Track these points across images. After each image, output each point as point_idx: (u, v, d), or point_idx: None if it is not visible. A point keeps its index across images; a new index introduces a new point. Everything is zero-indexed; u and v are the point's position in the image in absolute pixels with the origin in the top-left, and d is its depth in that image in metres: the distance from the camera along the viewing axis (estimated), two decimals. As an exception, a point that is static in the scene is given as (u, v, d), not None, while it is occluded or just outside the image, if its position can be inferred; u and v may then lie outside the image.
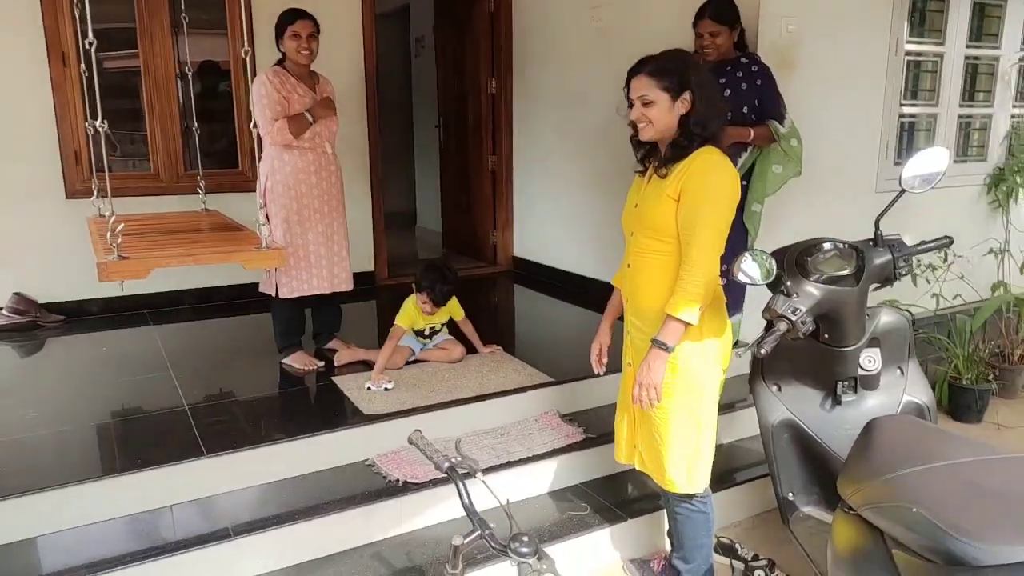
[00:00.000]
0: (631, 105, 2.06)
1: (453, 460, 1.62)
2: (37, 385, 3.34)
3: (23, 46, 3.94)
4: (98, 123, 2.47)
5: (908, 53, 3.90)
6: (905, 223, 3.88)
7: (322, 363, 3.36)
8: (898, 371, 2.30)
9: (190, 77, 3.75)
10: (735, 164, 3.01)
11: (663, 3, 3.81)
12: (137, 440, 2.71)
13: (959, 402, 3.89)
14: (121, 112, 4.30)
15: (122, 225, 2.47)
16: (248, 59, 2.48)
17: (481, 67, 5.40)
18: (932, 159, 2.19)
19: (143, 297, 4.32)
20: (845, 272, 2.12)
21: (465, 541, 1.50)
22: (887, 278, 2.18)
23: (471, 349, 3.49)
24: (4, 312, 3.99)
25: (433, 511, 2.54)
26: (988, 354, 4.21)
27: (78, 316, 4.20)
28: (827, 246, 2.16)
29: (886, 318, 2.24)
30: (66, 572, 2.10)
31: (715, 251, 1.98)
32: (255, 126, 2.75)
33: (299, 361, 3.34)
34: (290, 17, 3.16)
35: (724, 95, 3.05)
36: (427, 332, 3.42)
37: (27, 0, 3.90)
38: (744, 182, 3.17)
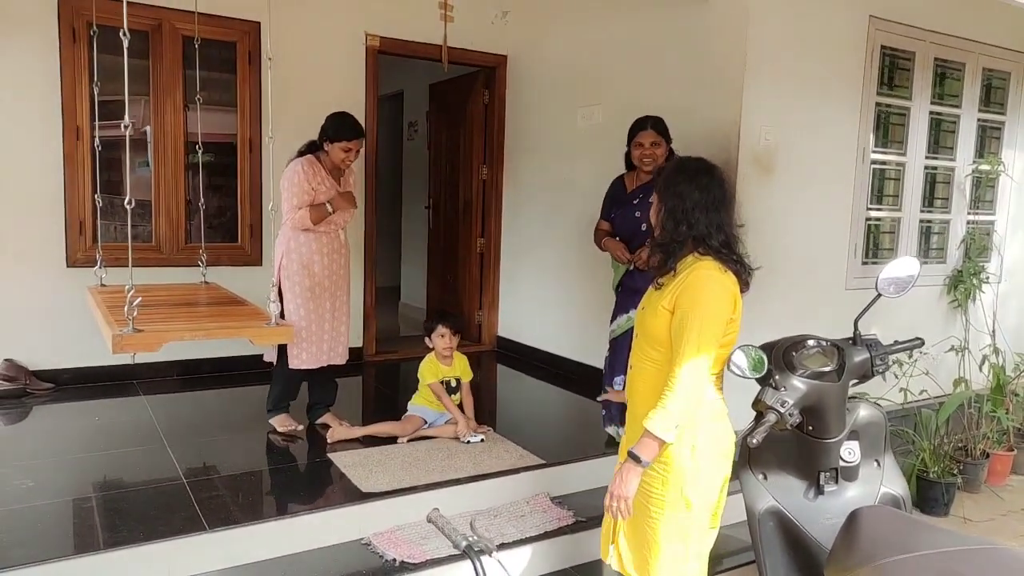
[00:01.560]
0: None
1: (470, 539, 1.71)
2: (29, 454, 3.33)
3: (40, 118, 4.09)
4: (127, 201, 2.60)
5: (874, 162, 4.23)
6: (873, 320, 4.13)
7: (302, 426, 3.54)
8: (875, 463, 2.45)
9: (199, 152, 3.92)
10: None
11: (654, 108, 4.10)
12: (136, 513, 2.72)
13: (927, 495, 4.04)
14: (124, 185, 4.43)
15: (140, 299, 2.56)
16: (271, 143, 2.65)
17: (473, 154, 5.67)
18: (904, 267, 2.39)
19: (132, 367, 4.34)
20: (828, 368, 2.29)
21: (482, 620, 1.58)
22: (865, 374, 2.36)
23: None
24: (-7, 378, 3.99)
25: (429, 591, 2.58)
26: (952, 448, 4.40)
27: (67, 384, 4.20)
28: (811, 343, 2.34)
29: (864, 412, 2.40)
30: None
31: (700, 367, 1.95)
32: (273, 208, 2.91)
33: (281, 424, 3.51)
34: (350, 133, 3.40)
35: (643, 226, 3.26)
36: (453, 384, 3.57)
37: (47, 75, 4.08)
38: None
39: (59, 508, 2.74)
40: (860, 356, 2.33)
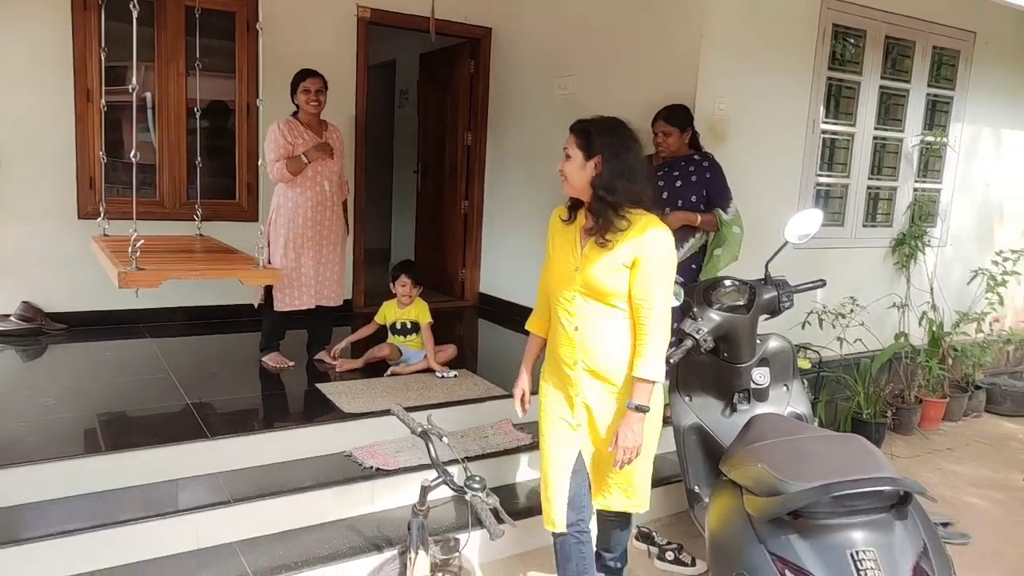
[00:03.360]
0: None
1: (425, 426, 2.11)
2: (48, 381, 3.73)
3: (53, 82, 4.42)
4: (131, 154, 2.96)
5: (824, 132, 4.59)
6: (828, 275, 4.55)
7: (292, 363, 3.90)
8: (784, 387, 2.85)
9: (198, 116, 4.25)
10: (685, 245, 3.60)
11: (621, 79, 4.45)
12: (146, 425, 3.14)
13: (860, 434, 4.45)
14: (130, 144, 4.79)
15: (142, 241, 2.93)
16: (261, 106, 3.01)
17: (459, 121, 6.00)
18: (809, 219, 2.75)
19: (138, 312, 4.72)
20: (740, 303, 2.68)
21: (432, 483, 1.98)
22: (773, 310, 2.74)
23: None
24: (12, 319, 4.37)
25: (400, 494, 2.98)
26: (889, 395, 4.83)
27: (79, 326, 4.59)
28: (727, 283, 2.73)
29: (774, 343, 2.79)
30: (93, 528, 2.50)
31: (667, 313, 2.17)
32: (262, 164, 3.28)
33: (274, 360, 3.89)
34: (302, 76, 3.75)
35: (675, 186, 3.59)
36: (399, 327, 3.94)
37: (60, 41, 4.40)
38: (693, 265, 3.64)
39: (77, 420, 3.14)
40: (769, 294, 2.71)
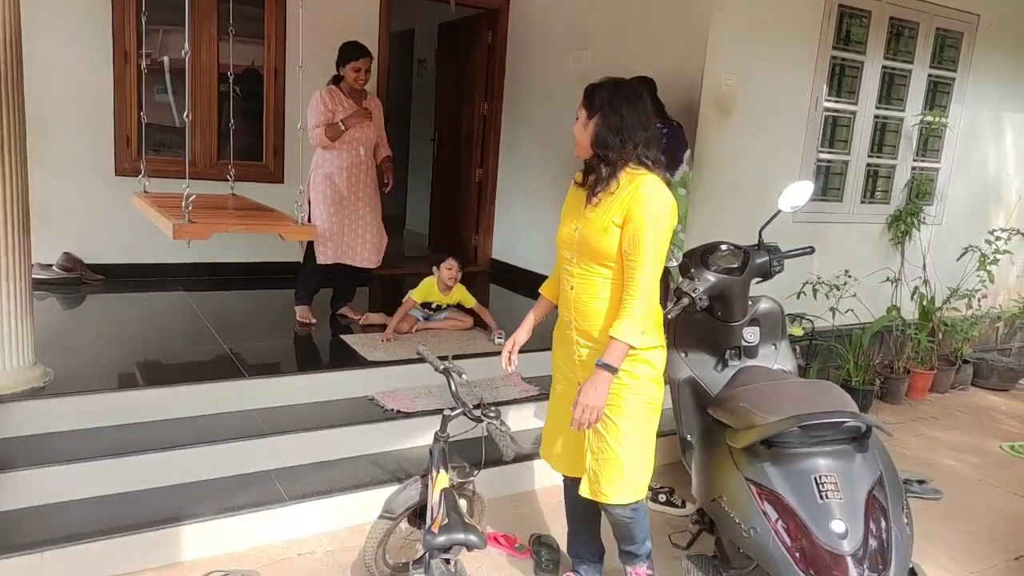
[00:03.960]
0: None
1: (447, 364, 2.38)
2: (93, 326, 4.03)
3: (93, 44, 4.65)
4: (185, 115, 3.19)
5: (827, 109, 4.78)
6: (826, 248, 4.79)
7: (315, 321, 4.13)
8: (773, 346, 3.09)
9: (230, 79, 4.47)
10: None
11: (633, 53, 4.64)
12: (190, 364, 3.44)
13: (850, 399, 4.72)
14: (167, 106, 5.03)
15: (194, 196, 3.18)
16: (300, 72, 3.24)
17: (476, 91, 6.20)
18: (800, 190, 2.97)
19: (169, 266, 5.01)
20: (734, 266, 2.92)
21: (452, 412, 2.25)
22: (765, 273, 2.97)
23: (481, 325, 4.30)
24: (55, 268, 4.65)
25: (419, 435, 3.26)
26: (879, 364, 5.07)
27: (115, 277, 4.87)
28: (723, 247, 2.96)
29: (764, 305, 3.03)
30: (143, 451, 2.80)
31: (656, 278, 2.08)
32: (301, 127, 3.52)
33: (301, 314, 4.13)
34: (356, 53, 3.95)
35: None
36: (435, 307, 4.18)
37: (99, 4, 4.62)
38: None
39: (124, 360, 3.43)
40: (760, 259, 2.94)
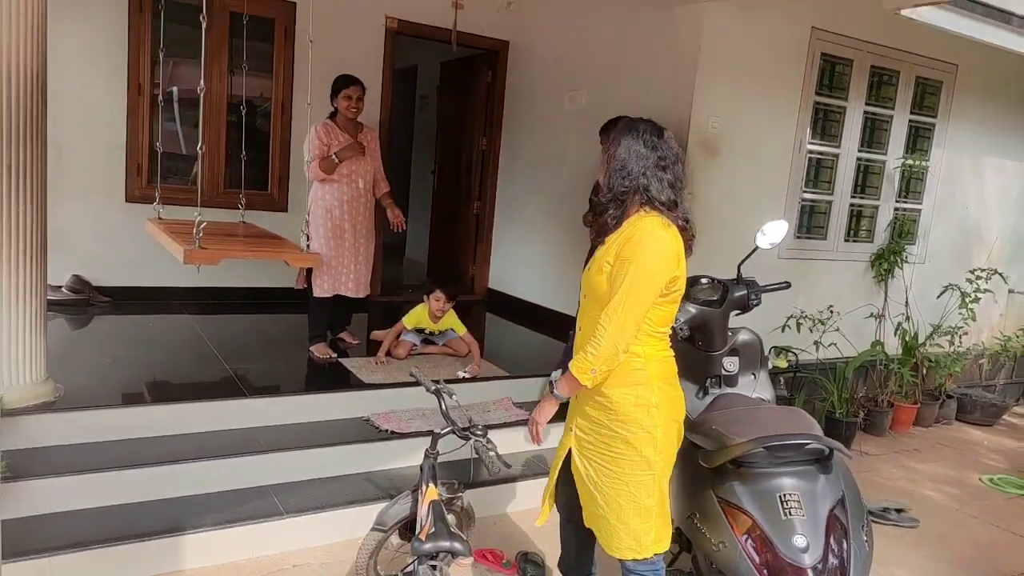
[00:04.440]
0: None
1: (439, 386, 2.52)
2: (101, 346, 4.17)
3: (108, 76, 4.87)
4: (199, 147, 3.38)
5: (810, 152, 4.99)
6: (811, 284, 4.95)
7: (336, 356, 4.19)
8: (752, 376, 3.22)
9: (243, 112, 4.66)
10: None
11: (626, 94, 4.86)
12: (193, 383, 3.57)
13: (832, 432, 4.81)
14: (175, 135, 5.24)
15: (205, 223, 3.35)
16: (309, 109, 3.43)
17: (475, 126, 6.42)
18: (776, 228, 3.13)
19: (174, 290, 5.16)
20: (714, 298, 3.07)
21: (442, 431, 2.39)
22: (743, 306, 3.13)
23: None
24: (64, 289, 4.81)
25: (412, 456, 3.39)
26: (863, 398, 5.21)
27: (122, 299, 5.03)
28: (704, 280, 3.12)
29: (743, 336, 3.17)
30: (146, 464, 2.92)
31: (627, 318, 1.95)
32: (308, 162, 3.71)
33: (319, 351, 4.19)
34: (345, 83, 4.12)
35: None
36: (427, 333, 4.33)
37: (116, 38, 4.85)
38: None
39: (134, 376, 3.58)
40: (739, 292, 3.10)
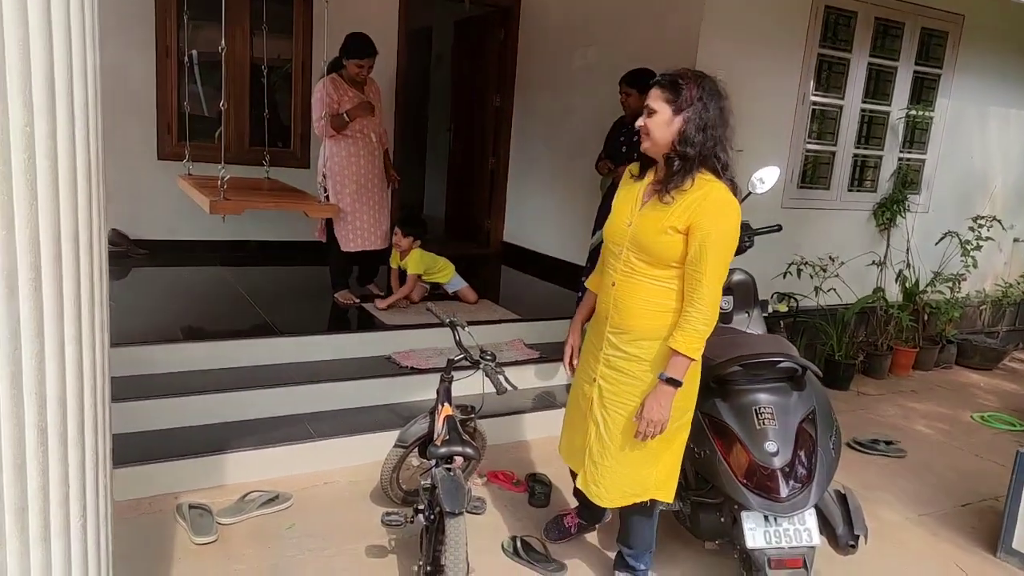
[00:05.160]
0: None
1: (453, 318, 2.79)
2: (142, 293, 4.50)
3: (137, 39, 5.11)
4: (221, 103, 3.62)
5: (814, 104, 5.12)
6: (813, 232, 5.12)
7: (359, 300, 4.45)
8: (746, 314, 3.45)
9: (265, 72, 4.88)
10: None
11: (634, 49, 5.01)
12: (230, 324, 3.88)
13: (832, 373, 5.06)
14: (205, 95, 5.48)
15: (229, 176, 3.62)
16: (325, 66, 3.65)
17: (489, 84, 6.59)
18: (770, 174, 3.33)
19: (205, 243, 5.47)
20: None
21: (456, 357, 2.67)
22: (738, 248, 3.34)
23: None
24: (104, 243, 5.12)
25: (430, 389, 3.62)
26: (863, 342, 5.42)
27: (157, 252, 5.34)
28: (700, 225, 3.34)
29: (737, 276, 3.39)
30: (198, 392, 3.24)
31: (719, 292, 2.07)
32: (325, 116, 3.93)
33: (344, 297, 4.46)
34: (362, 52, 4.17)
35: (633, 141, 4.11)
36: (401, 273, 4.55)
37: (144, 3, 5.08)
38: None
39: (175, 320, 3.88)
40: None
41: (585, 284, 2.47)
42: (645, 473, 2.24)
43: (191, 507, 2.73)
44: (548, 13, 6.06)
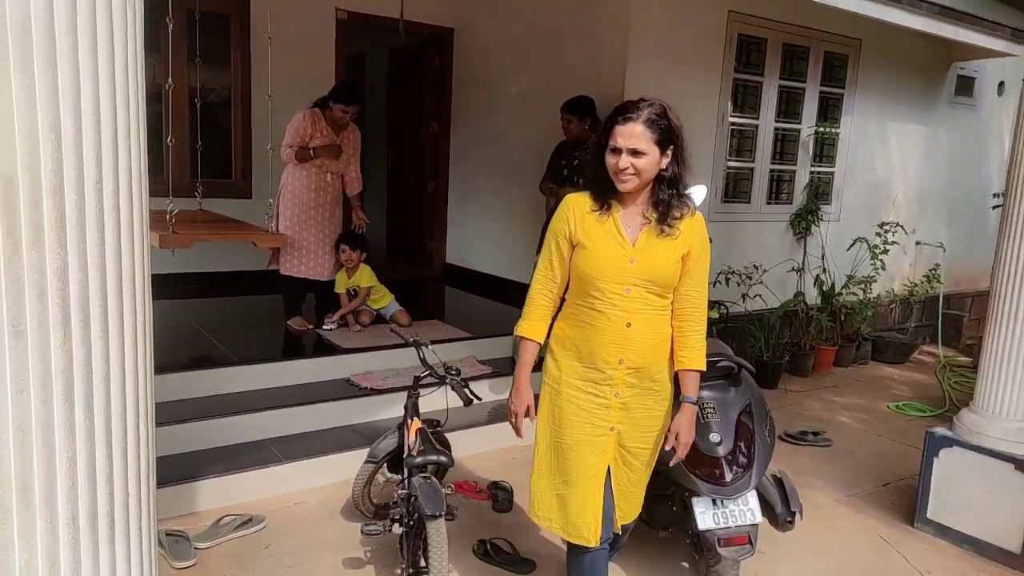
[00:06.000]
0: (614, 150, 2.00)
1: (416, 338, 2.95)
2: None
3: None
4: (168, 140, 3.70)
5: (732, 124, 5.52)
6: (738, 243, 5.48)
7: (312, 326, 4.56)
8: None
9: (198, 105, 4.91)
10: None
11: (565, 77, 5.30)
12: (185, 354, 3.92)
13: (762, 373, 5.38)
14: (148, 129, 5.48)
15: (177, 210, 3.69)
16: (270, 100, 3.78)
17: (426, 111, 6.79)
18: (698, 192, 3.63)
19: (156, 278, 5.42)
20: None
21: (423, 375, 2.83)
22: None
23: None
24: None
25: (390, 409, 3.80)
26: (788, 343, 5.83)
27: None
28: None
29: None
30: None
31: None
32: (271, 148, 4.05)
33: (297, 324, 4.57)
34: (348, 98, 4.38)
35: (574, 164, 4.41)
36: (352, 292, 4.66)
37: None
38: None
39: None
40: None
41: (521, 335, 2.21)
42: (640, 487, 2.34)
43: (167, 534, 2.79)
44: (481, 42, 6.32)
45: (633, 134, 1.97)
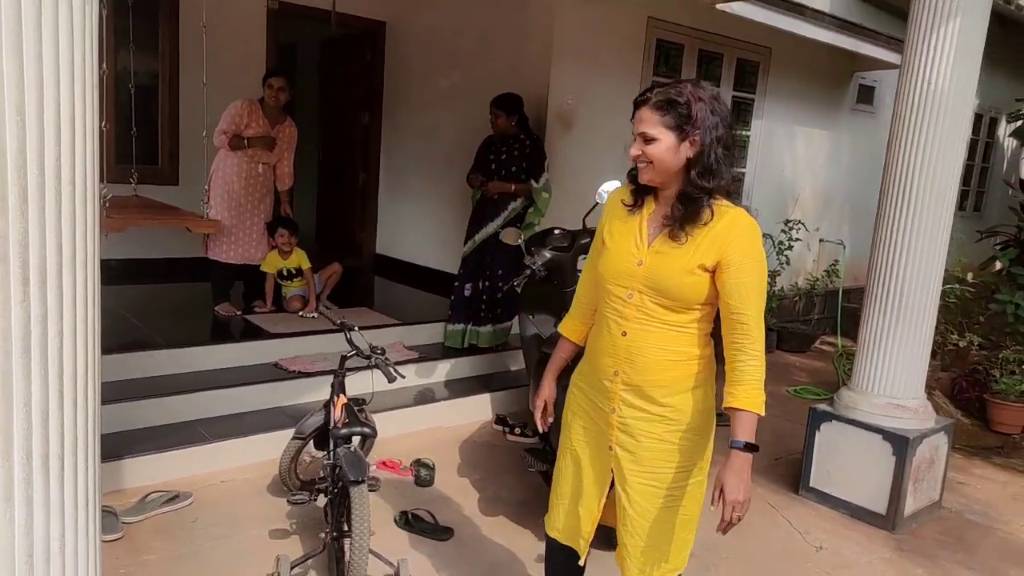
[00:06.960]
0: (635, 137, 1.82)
1: (344, 320, 3.10)
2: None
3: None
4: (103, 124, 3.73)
5: (651, 125, 5.83)
6: None
7: (240, 312, 4.63)
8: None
9: (132, 91, 4.92)
10: (507, 209, 4.58)
11: (494, 73, 5.50)
12: (115, 342, 3.93)
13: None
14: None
15: (111, 195, 3.73)
16: (205, 89, 3.85)
17: (358, 102, 6.88)
18: (613, 186, 3.88)
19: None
20: (564, 245, 3.81)
21: (348, 354, 2.99)
22: (587, 251, 3.88)
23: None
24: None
25: (317, 392, 3.93)
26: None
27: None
28: (556, 231, 3.84)
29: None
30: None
31: (764, 332, 1.81)
32: (206, 135, 4.10)
33: (224, 309, 4.63)
34: (268, 72, 4.56)
35: (501, 159, 4.58)
36: (286, 273, 4.76)
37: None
38: (518, 224, 4.58)
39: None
40: (584, 239, 3.85)
41: (558, 330, 2.17)
42: (685, 541, 1.97)
43: (94, 509, 2.86)
44: (412, 36, 6.45)
45: (641, 119, 1.80)
